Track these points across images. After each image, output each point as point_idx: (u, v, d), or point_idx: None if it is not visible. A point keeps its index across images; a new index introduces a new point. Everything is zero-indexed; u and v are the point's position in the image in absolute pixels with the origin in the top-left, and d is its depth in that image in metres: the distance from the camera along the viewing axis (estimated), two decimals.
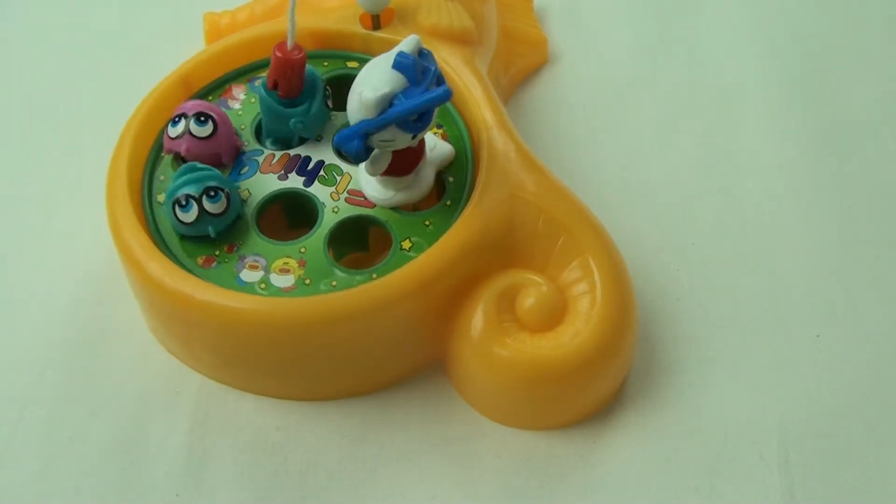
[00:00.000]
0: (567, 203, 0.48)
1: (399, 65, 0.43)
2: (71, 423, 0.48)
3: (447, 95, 0.43)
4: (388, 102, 0.43)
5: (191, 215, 0.46)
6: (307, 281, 0.46)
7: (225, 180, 0.47)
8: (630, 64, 0.65)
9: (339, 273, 0.46)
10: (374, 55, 0.54)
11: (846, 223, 0.56)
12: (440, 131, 0.51)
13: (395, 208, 0.48)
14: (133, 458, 0.47)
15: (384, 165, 0.46)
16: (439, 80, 0.44)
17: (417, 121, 0.44)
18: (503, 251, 0.47)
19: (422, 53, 0.44)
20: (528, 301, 0.46)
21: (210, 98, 0.53)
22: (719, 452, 0.46)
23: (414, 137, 0.45)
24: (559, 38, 0.67)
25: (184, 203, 0.46)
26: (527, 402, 0.47)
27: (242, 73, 0.54)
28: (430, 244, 0.47)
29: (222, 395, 0.49)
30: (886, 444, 0.47)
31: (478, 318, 0.46)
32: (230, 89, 0.54)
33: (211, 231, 0.47)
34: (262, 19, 0.61)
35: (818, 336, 0.51)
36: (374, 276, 0.46)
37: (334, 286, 0.46)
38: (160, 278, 0.46)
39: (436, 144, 0.50)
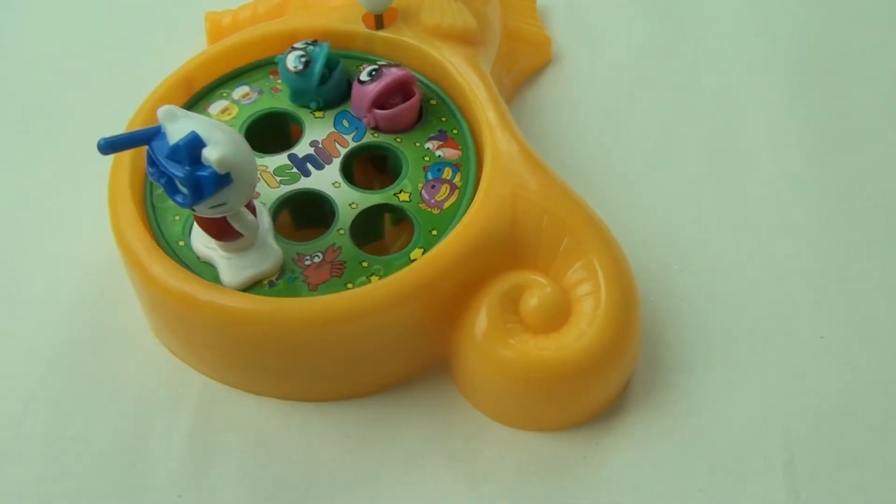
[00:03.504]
0: (571, 203, 0.48)
1: (187, 134, 0.40)
2: (73, 423, 0.48)
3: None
4: (163, 125, 0.41)
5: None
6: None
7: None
8: (634, 64, 0.65)
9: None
10: (376, 55, 0.55)
11: (850, 224, 0.56)
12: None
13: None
14: (135, 458, 0.47)
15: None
16: (189, 189, 0.41)
17: (150, 161, 0.41)
18: (507, 252, 0.47)
19: (210, 170, 0.40)
20: (531, 302, 0.46)
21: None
22: (724, 454, 0.46)
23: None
24: (562, 38, 0.67)
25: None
26: (530, 403, 0.47)
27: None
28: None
29: (225, 396, 0.49)
30: (891, 444, 0.47)
31: (481, 319, 0.46)
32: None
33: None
34: (264, 19, 0.61)
35: (822, 337, 0.51)
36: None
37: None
38: (162, 279, 0.46)
39: (234, 268, 0.46)
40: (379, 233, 0.51)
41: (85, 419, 0.48)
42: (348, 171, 0.51)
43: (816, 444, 0.47)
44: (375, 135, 0.52)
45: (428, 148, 0.51)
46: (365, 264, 0.47)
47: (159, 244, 0.47)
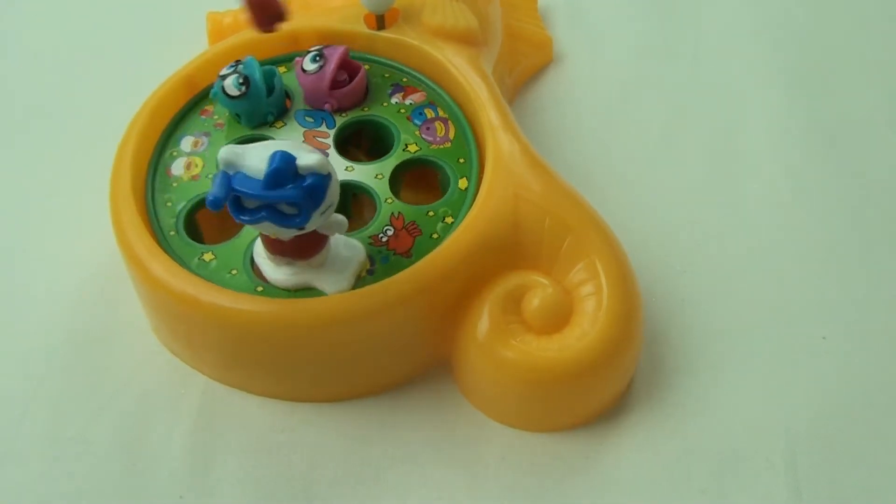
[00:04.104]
0: (573, 204, 0.48)
1: (272, 157, 0.40)
2: (74, 423, 0.48)
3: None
4: (233, 169, 0.40)
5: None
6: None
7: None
8: (635, 64, 0.65)
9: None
10: (378, 55, 0.55)
11: (852, 224, 0.56)
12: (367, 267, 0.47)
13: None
14: (136, 458, 0.47)
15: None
16: (301, 208, 0.40)
17: (232, 208, 0.40)
18: (509, 252, 0.47)
19: (314, 176, 0.40)
20: (533, 302, 0.46)
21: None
22: (726, 454, 0.46)
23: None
24: (564, 38, 0.67)
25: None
26: (532, 404, 0.47)
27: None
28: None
29: (226, 396, 0.49)
30: (892, 444, 0.47)
31: (483, 320, 0.46)
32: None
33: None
34: None
35: (825, 338, 0.50)
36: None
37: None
38: (164, 279, 0.46)
39: (338, 273, 0.46)
40: (398, 195, 0.51)
41: (85, 419, 0.48)
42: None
43: (819, 445, 0.47)
44: (343, 115, 0.52)
45: (395, 102, 0.53)
46: (431, 214, 0.48)
47: (160, 244, 0.47)
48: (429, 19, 0.55)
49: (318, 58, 0.51)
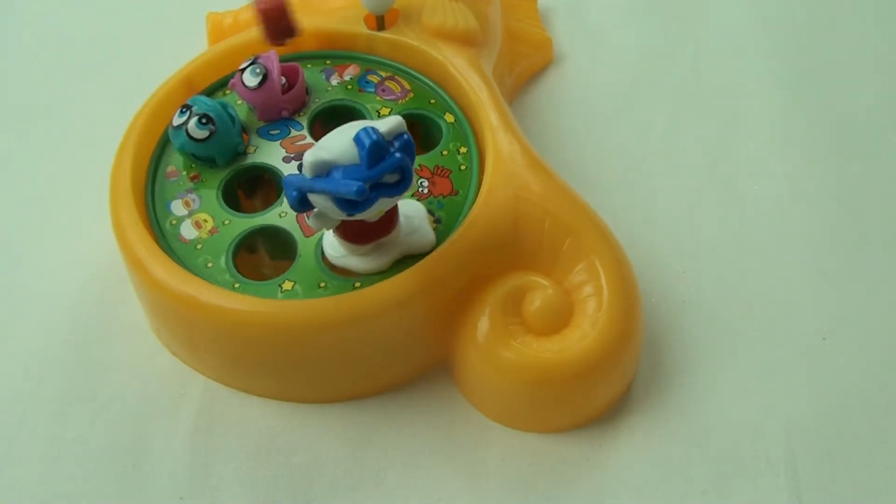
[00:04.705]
0: (573, 205, 0.48)
1: (358, 139, 0.40)
2: (73, 424, 0.48)
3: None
4: (326, 170, 0.40)
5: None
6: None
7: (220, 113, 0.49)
8: (635, 65, 0.65)
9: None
10: (378, 56, 0.55)
11: (852, 224, 0.56)
12: (431, 218, 0.48)
13: None
14: (136, 460, 0.47)
15: (327, 226, 0.43)
16: (404, 170, 0.41)
17: (350, 203, 0.40)
18: (509, 253, 0.47)
19: (399, 137, 0.41)
20: (534, 303, 0.46)
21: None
22: (726, 455, 0.46)
23: (350, 216, 0.41)
24: (564, 39, 0.67)
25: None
26: (532, 405, 0.47)
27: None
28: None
29: (226, 398, 0.49)
30: (893, 445, 0.47)
31: (483, 321, 0.46)
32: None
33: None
34: None
35: (824, 339, 0.51)
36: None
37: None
38: (164, 280, 0.46)
39: (417, 230, 0.47)
40: None
41: (85, 420, 0.48)
42: None
43: (819, 445, 0.47)
44: (300, 115, 0.52)
45: (337, 83, 0.54)
46: (445, 153, 0.50)
47: (160, 245, 0.47)
48: (429, 20, 0.55)
49: (257, 69, 0.51)
